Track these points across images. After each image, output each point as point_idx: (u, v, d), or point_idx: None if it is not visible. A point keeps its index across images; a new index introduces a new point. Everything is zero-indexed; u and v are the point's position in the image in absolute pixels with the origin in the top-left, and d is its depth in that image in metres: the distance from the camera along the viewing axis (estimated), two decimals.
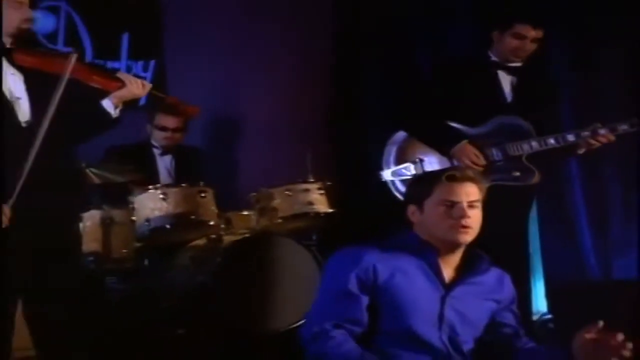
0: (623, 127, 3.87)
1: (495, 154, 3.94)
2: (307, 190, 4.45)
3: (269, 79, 5.24)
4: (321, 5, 5.36)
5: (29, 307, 3.20)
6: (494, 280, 2.68)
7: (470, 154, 3.87)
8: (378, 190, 4.38)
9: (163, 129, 4.86)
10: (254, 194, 4.54)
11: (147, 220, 4.28)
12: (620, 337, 2.36)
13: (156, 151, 4.94)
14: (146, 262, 4.51)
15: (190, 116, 3.81)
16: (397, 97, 4.55)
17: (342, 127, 5.34)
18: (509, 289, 2.71)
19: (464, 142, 3.90)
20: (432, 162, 3.97)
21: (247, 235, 4.44)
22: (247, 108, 5.32)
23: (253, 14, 5.26)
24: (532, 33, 3.96)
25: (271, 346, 4.22)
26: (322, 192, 4.48)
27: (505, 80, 4.05)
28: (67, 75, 3.08)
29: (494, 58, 4.04)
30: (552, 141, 3.89)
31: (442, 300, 2.57)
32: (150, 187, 4.35)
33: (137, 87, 3.35)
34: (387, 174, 4.05)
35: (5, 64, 3.13)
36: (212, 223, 4.33)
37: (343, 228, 4.62)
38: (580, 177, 5.07)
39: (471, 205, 2.58)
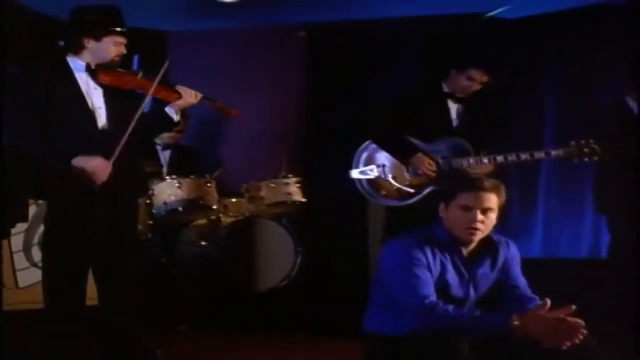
0: (539, 155, 4.62)
1: (443, 165, 4.68)
2: (287, 183, 5.67)
3: (253, 95, 6.31)
4: (296, 38, 6.51)
5: (98, 269, 3.95)
6: (500, 251, 3.12)
7: (425, 163, 4.63)
8: (341, 186, 5.55)
9: None
10: (245, 185, 5.70)
11: (165, 203, 5.38)
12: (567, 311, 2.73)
13: (158, 147, 5.95)
14: (149, 235, 5.51)
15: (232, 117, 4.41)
16: (362, 112, 5.57)
17: (315, 135, 6.49)
18: (513, 251, 3.16)
19: (420, 153, 4.65)
20: (392, 167, 4.74)
21: (240, 217, 5.61)
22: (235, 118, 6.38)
23: (244, 44, 6.36)
24: (481, 78, 4.67)
25: (258, 302, 5.39)
26: (299, 185, 5.70)
27: (453, 108, 4.78)
28: (150, 95, 3.94)
29: (446, 89, 4.75)
30: (485, 160, 4.64)
31: (467, 283, 3.05)
32: (167, 177, 5.44)
33: (191, 97, 4.05)
34: (354, 173, 4.81)
35: (89, 80, 3.90)
36: (214, 207, 5.50)
37: (310, 214, 5.82)
38: None
39: (484, 211, 2.98)
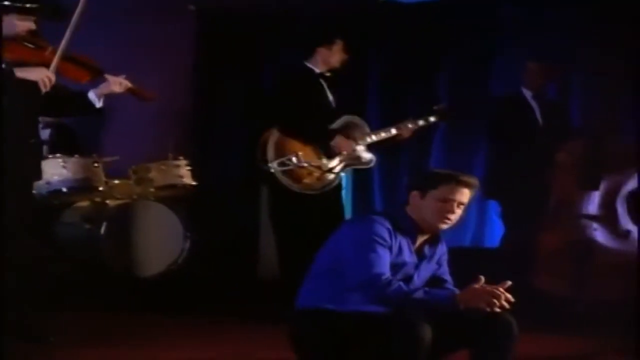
0: (420, 122, 5.32)
1: (360, 142, 5.11)
2: (178, 166, 5.76)
3: (139, 70, 6.31)
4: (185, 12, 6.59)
5: None
6: (440, 247, 3.42)
7: (347, 145, 5.03)
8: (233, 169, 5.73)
9: None
10: (133, 166, 5.76)
11: (48, 183, 5.34)
12: (503, 285, 3.04)
13: (39, 125, 5.96)
14: None
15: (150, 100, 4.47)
16: (259, 99, 5.74)
17: (204, 115, 6.59)
18: (445, 247, 3.45)
19: (339, 136, 5.01)
20: (306, 154, 4.98)
21: (128, 200, 5.67)
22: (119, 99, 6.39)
23: (128, 16, 6.37)
24: (343, 52, 5.14)
25: (144, 288, 5.49)
26: (189, 168, 5.79)
27: (326, 87, 5.16)
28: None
29: (317, 70, 5.16)
30: (382, 134, 5.18)
31: (415, 267, 3.32)
32: (50, 155, 5.43)
33: (115, 85, 4.17)
34: (273, 165, 4.92)
35: None
36: (101, 188, 5.53)
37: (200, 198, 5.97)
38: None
39: (459, 205, 3.26)
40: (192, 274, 5.68)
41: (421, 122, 5.33)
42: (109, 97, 4.31)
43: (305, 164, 4.93)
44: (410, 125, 5.24)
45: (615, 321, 4.78)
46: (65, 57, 4.04)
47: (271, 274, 5.75)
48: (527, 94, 5.84)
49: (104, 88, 4.19)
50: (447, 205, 3.25)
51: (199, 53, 6.63)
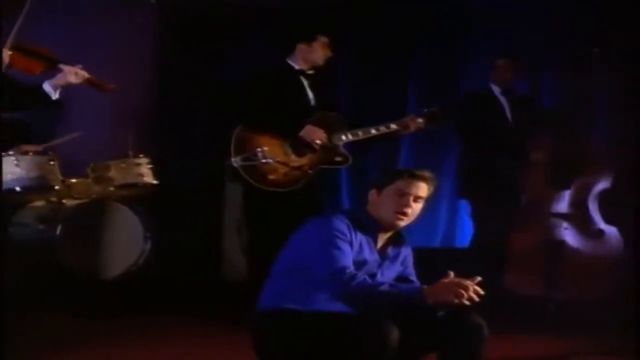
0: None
1: (335, 138, 4.96)
2: (138, 164, 5.60)
3: (99, 65, 6.19)
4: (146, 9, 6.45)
5: None
6: (404, 249, 3.42)
7: (317, 134, 4.87)
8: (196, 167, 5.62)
9: None
10: (92, 164, 5.61)
11: None
12: (473, 280, 2.99)
13: None
14: None
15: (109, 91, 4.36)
16: (225, 94, 5.64)
17: (166, 112, 6.46)
18: (409, 250, 3.45)
19: (309, 125, 4.86)
20: (274, 149, 4.84)
21: (86, 200, 5.52)
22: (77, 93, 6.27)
23: (87, 9, 6.22)
24: (327, 50, 5.05)
25: (104, 291, 5.35)
26: (150, 166, 5.64)
27: (306, 85, 5.08)
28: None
29: (296, 67, 5.04)
30: (360, 133, 4.97)
31: (379, 266, 3.32)
32: (3, 153, 5.26)
33: (72, 75, 4.06)
34: (236, 160, 4.78)
35: None
36: (57, 188, 5.39)
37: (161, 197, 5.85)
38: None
39: (416, 199, 3.29)
40: (154, 275, 5.55)
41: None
42: (66, 90, 4.19)
43: (270, 160, 4.79)
44: (394, 126, 5.05)
45: (588, 321, 4.77)
46: (14, 48, 3.91)
47: (235, 275, 5.66)
48: (496, 90, 5.81)
49: (59, 79, 4.08)
50: (402, 199, 3.27)
51: (161, 46, 6.49)
